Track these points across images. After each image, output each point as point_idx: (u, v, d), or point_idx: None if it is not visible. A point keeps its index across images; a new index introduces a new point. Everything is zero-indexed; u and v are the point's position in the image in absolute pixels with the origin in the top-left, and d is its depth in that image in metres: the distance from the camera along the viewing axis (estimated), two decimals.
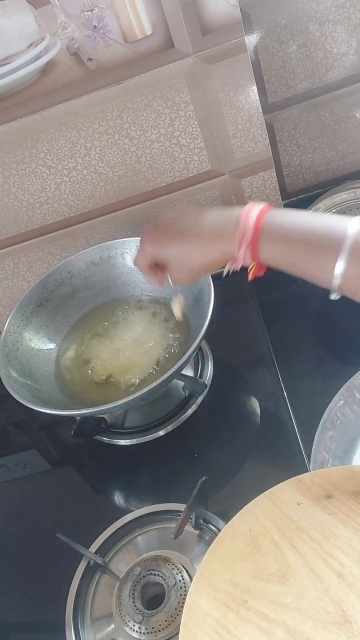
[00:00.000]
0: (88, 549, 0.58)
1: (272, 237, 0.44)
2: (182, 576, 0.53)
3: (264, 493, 0.45)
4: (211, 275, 0.64)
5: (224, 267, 0.49)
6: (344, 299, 0.43)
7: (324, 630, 0.36)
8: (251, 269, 0.48)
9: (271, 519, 0.43)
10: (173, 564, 0.54)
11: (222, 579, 0.41)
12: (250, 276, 0.49)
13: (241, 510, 0.45)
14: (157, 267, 0.54)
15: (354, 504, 0.42)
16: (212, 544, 0.44)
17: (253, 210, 0.45)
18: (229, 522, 0.45)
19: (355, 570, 0.38)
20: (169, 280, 0.54)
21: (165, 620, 0.51)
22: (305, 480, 0.45)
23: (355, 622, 0.36)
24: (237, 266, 0.48)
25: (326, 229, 0.41)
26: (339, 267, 0.39)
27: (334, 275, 0.40)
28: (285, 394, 0.68)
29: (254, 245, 0.44)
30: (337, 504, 0.42)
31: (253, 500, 0.45)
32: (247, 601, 0.40)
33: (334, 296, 0.43)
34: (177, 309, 0.65)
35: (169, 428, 0.69)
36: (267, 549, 0.42)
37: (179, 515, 0.55)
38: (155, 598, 0.54)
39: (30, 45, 0.62)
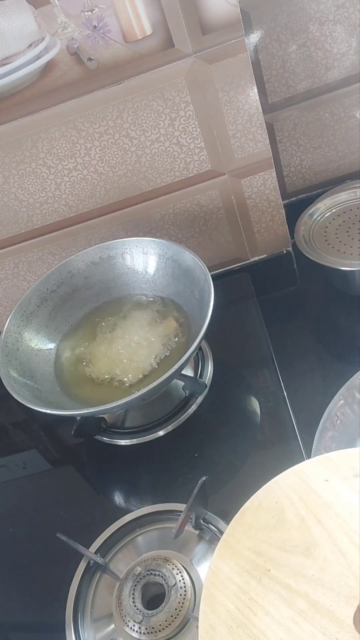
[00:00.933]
0: (88, 549, 0.58)
1: None
2: (182, 576, 0.53)
3: (291, 468, 0.45)
4: (211, 275, 0.64)
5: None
6: (343, 296, 0.43)
7: (345, 604, 0.36)
8: None
9: (298, 493, 0.43)
10: (173, 564, 0.54)
11: (246, 547, 0.42)
12: None
13: (266, 484, 0.45)
14: None
15: None
16: (236, 515, 0.44)
17: None
18: (254, 495, 0.45)
19: None
20: None
21: (166, 620, 0.51)
22: (334, 458, 0.44)
23: None
24: None
25: None
26: None
27: None
28: (285, 394, 0.68)
29: None
30: None
31: (279, 475, 0.45)
32: (270, 570, 0.40)
33: None
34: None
35: (169, 428, 0.69)
36: (292, 522, 0.42)
37: (179, 515, 0.55)
38: (156, 598, 0.54)
39: (30, 45, 0.62)
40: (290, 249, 0.85)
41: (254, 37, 0.73)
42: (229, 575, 0.41)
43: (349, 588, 0.37)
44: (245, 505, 0.44)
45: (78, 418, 0.69)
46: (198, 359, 0.75)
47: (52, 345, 0.74)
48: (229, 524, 0.44)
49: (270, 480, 0.48)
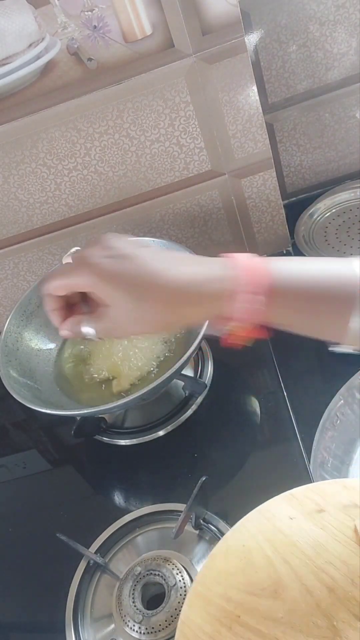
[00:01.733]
0: (88, 549, 0.58)
1: (281, 303, 0.37)
2: (182, 576, 0.53)
3: (257, 508, 0.45)
4: None
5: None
6: None
7: None
8: (233, 331, 0.39)
9: (264, 533, 0.43)
10: (173, 564, 0.54)
11: (216, 594, 0.42)
12: (236, 341, 0.40)
13: (235, 526, 0.45)
14: (70, 307, 0.42)
15: (346, 518, 0.42)
16: (206, 560, 0.44)
17: (251, 267, 0.37)
18: (222, 538, 0.45)
19: (346, 585, 0.39)
20: (88, 329, 0.40)
21: (165, 620, 0.51)
22: (297, 494, 0.45)
23: (346, 636, 0.36)
24: (225, 329, 0.39)
25: (336, 281, 0.37)
26: (353, 322, 0.35)
27: (355, 331, 0.36)
28: (285, 394, 0.68)
29: (268, 304, 0.36)
30: (329, 518, 0.43)
31: (246, 515, 0.45)
32: (239, 616, 0.40)
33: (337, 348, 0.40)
34: None
35: (169, 428, 0.69)
36: (259, 563, 0.42)
37: (179, 515, 0.55)
38: (155, 598, 0.54)
39: (30, 45, 0.62)
40: (290, 249, 0.85)
41: (254, 37, 0.73)
42: (199, 625, 0.40)
43: (318, 628, 0.37)
44: (214, 550, 0.45)
45: (78, 418, 0.69)
46: (198, 359, 0.75)
47: (52, 345, 0.74)
48: (199, 571, 0.44)
49: (269, 480, 0.48)
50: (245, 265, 0.37)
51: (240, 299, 0.36)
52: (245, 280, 0.36)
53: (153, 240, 0.74)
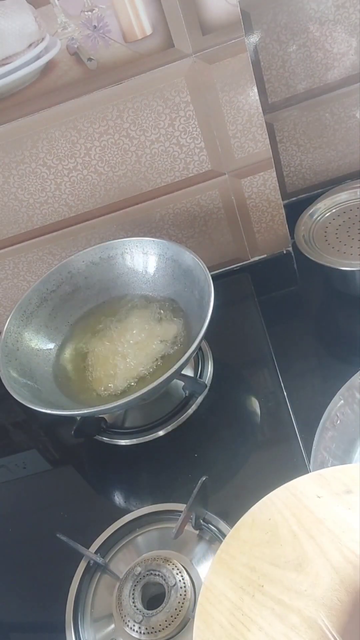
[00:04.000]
0: (88, 549, 0.58)
1: None
2: (182, 576, 0.53)
3: (284, 485, 0.46)
4: (211, 275, 0.64)
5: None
6: (343, 296, 0.43)
7: (337, 619, 0.37)
8: None
9: (291, 509, 0.44)
10: (173, 564, 0.54)
11: (240, 563, 0.42)
12: None
13: (260, 501, 0.45)
14: None
15: None
16: (230, 531, 0.45)
17: None
18: (248, 511, 0.45)
19: None
20: None
21: (166, 621, 0.51)
22: (326, 474, 0.45)
23: None
24: None
25: None
26: None
27: None
28: (285, 394, 0.68)
29: None
30: (356, 499, 0.43)
31: (273, 492, 0.46)
32: (263, 586, 0.40)
33: None
34: None
35: (169, 428, 0.69)
36: (285, 537, 0.42)
37: (179, 515, 0.55)
38: (155, 598, 0.54)
39: (30, 45, 0.62)
40: (290, 249, 0.85)
41: (254, 37, 0.73)
42: (223, 591, 0.41)
43: (341, 602, 0.37)
44: (240, 521, 0.45)
45: (78, 418, 0.69)
46: (198, 359, 0.75)
47: (52, 345, 0.74)
48: (224, 540, 0.44)
49: (269, 480, 0.48)
50: None
51: None
52: None
53: (153, 241, 0.74)
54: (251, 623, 0.39)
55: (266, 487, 0.46)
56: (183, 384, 0.70)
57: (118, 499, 0.68)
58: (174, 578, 0.53)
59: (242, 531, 0.44)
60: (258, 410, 0.68)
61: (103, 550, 0.59)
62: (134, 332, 0.72)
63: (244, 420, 0.68)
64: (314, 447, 0.56)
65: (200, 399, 0.71)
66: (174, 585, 0.53)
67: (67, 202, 0.77)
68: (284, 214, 0.81)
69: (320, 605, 0.38)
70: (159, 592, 0.54)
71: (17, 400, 0.61)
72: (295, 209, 0.83)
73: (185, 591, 0.52)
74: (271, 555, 0.42)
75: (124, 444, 0.70)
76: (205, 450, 0.66)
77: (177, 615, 0.51)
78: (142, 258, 0.76)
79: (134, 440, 0.69)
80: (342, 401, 0.58)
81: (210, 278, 0.64)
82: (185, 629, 0.51)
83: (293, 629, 0.37)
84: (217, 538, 0.56)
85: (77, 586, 0.57)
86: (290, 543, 0.42)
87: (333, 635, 0.36)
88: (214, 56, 0.65)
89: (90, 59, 0.64)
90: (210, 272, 0.65)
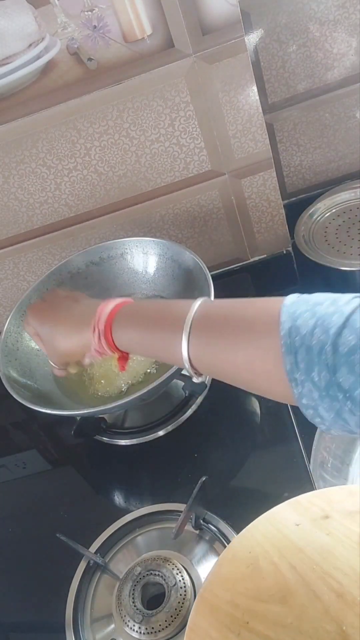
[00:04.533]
0: (88, 549, 0.58)
1: (124, 325, 0.46)
2: (182, 576, 0.53)
3: (263, 515, 0.46)
4: (211, 275, 0.64)
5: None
6: None
7: None
8: (114, 359, 0.50)
9: (270, 540, 0.44)
10: (173, 564, 0.54)
11: (223, 601, 0.42)
12: (118, 367, 0.51)
13: (240, 533, 0.45)
14: None
15: (352, 524, 0.42)
16: (212, 567, 0.44)
17: (110, 302, 0.48)
18: (229, 545, 0.45)
19: (354, 590, 0.39)
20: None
21: (165, 620, 0.51)
22: (303, 501, 0.45)
23: None
24: (96, 355, 0.49)
25: (171, 312, 0.43)
26: (184, 347, 0.40)
27: (182, 354, 0.40)
28: None
29: (107, 333, 0.46)
30: (334, 524, 0.43)
31: (252, 522, 0.46)
32: (248, 622, 0.40)
33: (195, 379, 0.43)
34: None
35: (169, 428, 0.69)
36: (267, 570, 0.42)
37: (179, 515, 0.55)
38: (155, 598, 0.54)
39: (30, 45, 0.62)
40: (290, 249, 0.85)
41: (254, 37, 0.73)
42: (207, 632, 0.40)
43: (327, 633, 0.37)
44: (221, 556, 0.45)
45: (78, 418, 0.69)
46: None
47: None
48: (206, 578, 0.44)
49: (269, 480, 0.48)
50: (105, 302, 0.48)
51: (92, 327, 0.47)
52: (97, 314, 0.47)
53: (153, 241, 0.74)
54: None
55: (266, 487, 0.46)
56: (183, 384, 0.70)
57: (118, 499, 0.68)
58: (174, 578, 0.53)
59: (224, 567, 0.44)
60: (258, 410, 0.68)
61: (103, 550, 0.59)
62: None
63: (244, 420, 0.68)
64: (314, 447, 0.56)
65: (200, 399, 0.71)
66: (174, 585, 0.53)
67: (67, 202, 0.77)
68: (284, 214, 0.81)
69: (306, 637, 0.38)
70: (159, 592, 0.54)
71: (17, 400, 0.61)
72: (295, 209, 0.83)
73: (185, 591, 0.52)
74: (254, 590, 0.41)
75: (124, 444, 0.70)
76: (205, 450, 0.66)
77: (177, 615, 0.51)
78: (142, 258, 0.76)
79: (134, 440, 0.69)
80: None
81: (210, 278, 0.64)
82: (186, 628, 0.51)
83: None
84: (217, 538, 0.56)
85: (77, 586, 0.57)
86: (272, 575, 0.41)
87: None
88: (214, 56, 0.65)
89: (90, 59, 0.64)
90: (210, 272, 0.65)
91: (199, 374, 0.42)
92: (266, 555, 0.43)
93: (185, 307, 0.41)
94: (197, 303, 0.41)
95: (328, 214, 0.82)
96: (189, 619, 0.42)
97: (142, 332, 0.44)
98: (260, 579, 0.42)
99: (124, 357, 0.49)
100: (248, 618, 0.40)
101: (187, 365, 0.40)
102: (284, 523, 0.44)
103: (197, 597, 0.43)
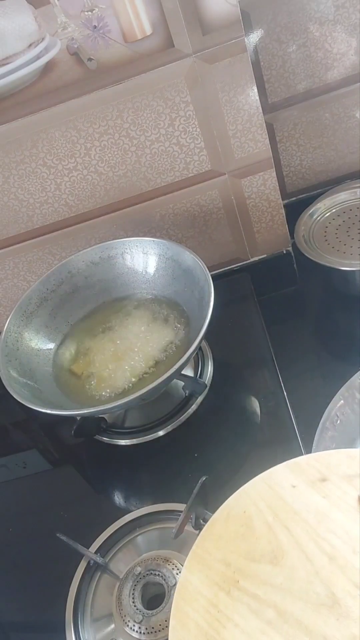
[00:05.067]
0: (88, 549, 0.58)
1: None
2: None
3: (260, 475, 0.45)
4: (211, 275, 0.64)
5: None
6: (343, 296, 0.43)
7: (313, 612, 0.37)
8: None
9: (266, 500, 0.43)
10: (173, 564, 0.54)
11: (215, 559, 0.42)
12: None
13: (236, 492, 0.45)
14: None
15: (349, 487, 0.42)
16: (206, 524, 0.44)
17: None
18: (224, 504, 0.45)
19: (347, 553, 0.38)
20: None
21: (166, 620, 0.51)
22: (301, 462, 0.45)
23: (345, 604, 0.36)
24: None
25: None
26: None
27: None
28: (285, 394, 0.68)
29: None
30: (331, 487, 0.42)
31: (249, 482, 0.45)
32: (238, 581, 0.40)
33: None
34: None
35: (169, 428, 0.69)
36: (260, 530, 0.42)
37: (179, 515, 0.55)
38: (156, 598, 0.54)
39: (30, 45, 0.62)
40: (290, 249, 0.85)
41: (254, 37, 0.73)
42: (198, 589, 0.40)
43: (317, 595, 0.37)
44: (215, 515, 0.44)
45: (78, 418, 0.69)
46: (198, 359, 0.75)
47: (52, 345, 0.74)
48: (199, 534, 0.44)
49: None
50: None
51: None
52: None
53: (153, 241, 0.74)
54: (227, 620, 0.38)
55: None
56: (183, 384, 0.70)
57: (118, 499, 0.68)
58: (174, 578, 0.53)
59: (217, 525, 0.44)
60: (258, 410, 0.68)
61: (103, 550, 0.59)
62: (134, 332, 0.72)
63: (244, 420, 0.68)
64: (314, 447, 0.56)
65: (200, 399, 0.71)
66: (174, 585, 0.53)
67: (67, 202, 0.77)
68: (284, 214, 0.81)
69: (296, 599, 0.37)
70: (159, 592, 0.54)
71: (17, 400, 0.61)
72: (295, 209, 0.83)
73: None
74: (246, 549, 0.41)
75: (124, 444, 0.70)
76: (205, 450, 0.66)
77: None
78: (142, 258, 0.76)
79: (134, 440, 0.69)
80: (342, 401, 0.58)
81: (210, 278, 0.64)
82: None
83: (269, 624, 0.37)
84: None
85: (77, 586, 0.57)
86: (266, 535, 0.41)
87: (310, 629, 0.36)
88: (214, 56, 0.65)
89: (90, 59, 0.64)
90: (210, 272, 0.65)
91: None
92: (260, 515, 0.43)
93: None
94: None
95: (328, 214, 0.82)
96: (180, 576, 0.42)
97: None
98: (253, 539, 0.41)
99: None
100: (239, 577, 0.40)
101: None
102: (281, 484, 0.44)
103: (189, 553, 0.43)
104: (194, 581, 0.41)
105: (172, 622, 0.40)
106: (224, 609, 0.39)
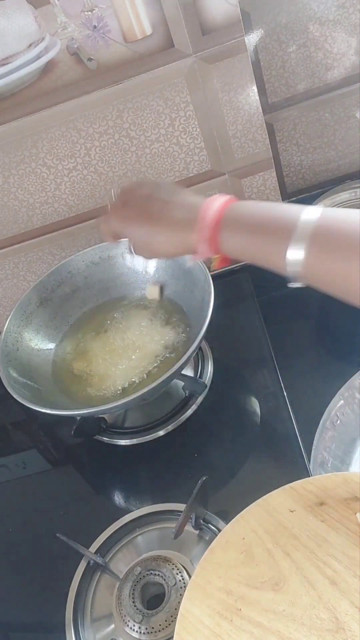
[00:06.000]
0: (88, 549, 0.58)
1: (231, 228, 0.43)
2: (182, 576, 0.53)
3: (257, 501, 0.45)
4: (211, 275, 0.64)
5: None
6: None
7: (317, 638, 0.36)
8: (215, 260, 0.48)
9: (264, 526, 0.43)
10: (173, 564, 0.54)
11: (216, 587, 0.41)
12: (214, 266, 0.49)
13: (234, 519, 0.45)
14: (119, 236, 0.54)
15: (346, 511, 0.42)
16: (205, 553, 0.44)
17: (215, 203, 0.44)
18: (222, 531, 0.45)
19: (348, 577, 0.38)
20: (131, 249, 0.53)
21: (165, 620, 0.51)
22: (297, 487, 0.45)
23: (349, 628, 0.36)
24: (200, 258, 0.47)
25: (280, 216, 0.41)
26: (291, 253, 0.39)
27: (286, 261, 0.39)
28: (285, 394, 0.68)
29: (214, 238, 0.44)
30: (329, 511, 0.42)
31: (246, 509, 0.45)
32: (240, 609, 0.40)
33: (292, 284, 0.42)
34: (152, 293, 0.73)
35: (169, 428, 0.69)
36: (260, 556, 0.42)
37: (179, 515, 0.55)
38: (155, 598, 0.54)
39: (30, 45, 0.62)
40: None
41: (254, 37, 0.73)
42: (200, 619, 0.40)
43: (320, 620, 0.37)
44: (213, 543, 0.44)
45: (78, 418, 0.69)
46: (198, 359, 0.75)
47: (51, 345, 0.74)
48: (198, 564, 0.44)
49: (269, 480, 0.48)
50: (208, 202, 0.45)
51: (197, 228, 0.44)
52: (201, 217, 0.44)
53: None
54: None
55: (266, 488, 0.46)
56: (183, 384, 0.70)
57: (118, 499, 0.68)
58: (174, 578, 0.53)
59: (217, 553, 0.44)
60: (258, 410, 0.68)
61: (103, 550, 0.59)
62: (134, 332, 0.72)
63: (244, 420, 0.68)
64: (314, 447, 0.56)
65: (200, 399, 0.71)
66: (174, 585, 0.53)
67: (67, 202, 0.77)
68: None
69: (299, 625, 0.37)
70: (159, 592, 0.54)
71: (17, 400, 0.61)
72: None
73: (185, 591, 0.52)
74: (247, 576, 0.41)
75: (124, 444, 0.70)
76: (205, 450, 0.66)
77: (177, 615, 0.51)
78: (142, 258, 0.75)
79: (134, 440, 0.69)
80: (342, 401, 0.58)
81: (210, 278, 0.64)
82: None
83: None
84: None
85: (77, 586, 0.57)
86: (266, 562, 0.41)
87: None
88: (214, 56, 0.65)
89: (90, 59, 0.64)
90: (210, 272, 0.65)
91: (302, 280, 0.41)
92: (260, 542, 0.43)
93: (294, 212, 0.40)
94: (313, 209, 0.39)
95: None
96: (181, 605, 0.42)
97: (249, 237, 0.42)
98: (254, 566, 0.41)
99: (226, 259, 0.46)
100: (241, 605, 0.40)
101: (290, 272, 0.40)
102: (278, 509, 0.44)
103: (189, 583, 0.43)
104: (194, 611, 0.41)
105: None
106: (227, 638, 0.39)
